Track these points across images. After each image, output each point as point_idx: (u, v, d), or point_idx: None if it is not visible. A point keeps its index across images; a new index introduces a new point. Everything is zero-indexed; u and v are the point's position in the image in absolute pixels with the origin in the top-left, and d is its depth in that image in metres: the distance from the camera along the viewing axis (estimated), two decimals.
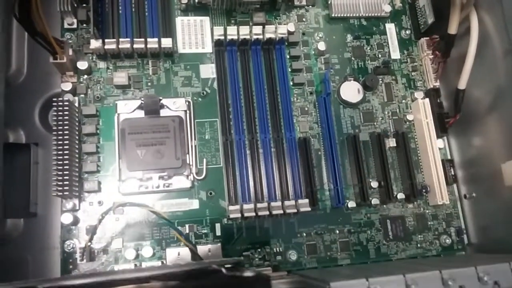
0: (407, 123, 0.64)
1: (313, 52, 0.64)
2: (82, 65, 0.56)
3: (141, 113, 0.55)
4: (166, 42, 0.56)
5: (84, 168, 0.53)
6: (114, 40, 0.55)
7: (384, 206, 0.60)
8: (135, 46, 0.56)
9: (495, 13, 0.54)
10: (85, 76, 0.57)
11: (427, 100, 0.62)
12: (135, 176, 0.53)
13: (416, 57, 0.67)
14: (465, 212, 0.62)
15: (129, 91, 0.58)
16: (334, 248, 0.57)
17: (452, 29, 0.59)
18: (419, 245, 0.59)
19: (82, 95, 0.56)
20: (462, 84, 0.58)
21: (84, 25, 0.58)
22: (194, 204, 0.55)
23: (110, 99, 0.57)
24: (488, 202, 0.58)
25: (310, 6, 0.65)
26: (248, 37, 0.59)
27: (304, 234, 0.57)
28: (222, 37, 0.58)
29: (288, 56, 0.62)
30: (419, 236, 0.60)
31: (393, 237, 0.59)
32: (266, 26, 0.59)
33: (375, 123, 0.63)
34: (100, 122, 0.56)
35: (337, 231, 0.58)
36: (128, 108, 0.55)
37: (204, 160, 0.56)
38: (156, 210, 0.52)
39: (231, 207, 0.53)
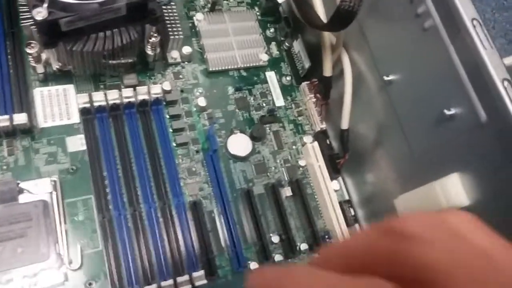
0: (301, 169, 0.62)
1: (194, 109, 0.61)
2: None
3: None
4: (20, 118, 0.49)
5: None
6: None
7: (289, 260, 0.56)
8: None
9: (364, 53, 0.55)
10: None
11: (316, 143, 0.62)
12: None
13: (300, 102, 0.67)
14: None
15: None
16: None
17: (327, 71, 0.60)
18: None
19: None
20: (344, 124, 0.58)
21: None
22: None
23: None
24: None
25: (186, 63, 0.63)
26: (118, 101, 0.54)
27: None
28: (88, 105, 0.53)
29: (167, 116, 0.58)
30: None
31: None
32: (138, 88, 0.55)
33: (268, 174, 0.60)
34: None
35: None
36: None
37: (78, 246, 0.49)
38: None
39: None
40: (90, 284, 0.48)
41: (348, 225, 0.59)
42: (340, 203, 0.60)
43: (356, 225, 0.61)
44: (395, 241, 0.17)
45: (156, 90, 0.56)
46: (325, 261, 0.20)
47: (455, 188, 0.44)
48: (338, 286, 0.16)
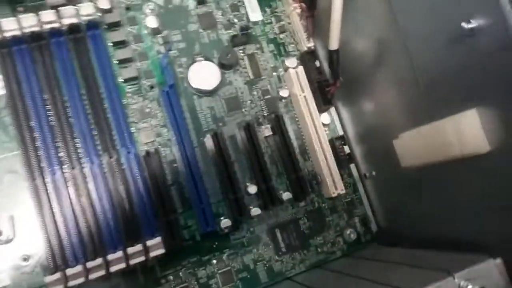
0: (283, 101, 0.51)
1: (145, 32, 0.48)
2: None
3: None
4: None
5: None
6: None
7: (270, 212, 0.48)
8: None
9: None
10: None
11: (300, 68, 0.50)
12: None
13: (282, 15, 0.53)
14: (370, 194, 0.52)
15: None
16: (214, 284, 0.45)
17: None
18: (319, 249, 0.48)
19: None
20: (333, 44, 0.45)
21: None
22: (4, 281, 0.39)
23: None
24: (389, 182, 0.48)
25: None
26: (37, 28, 0.42)
27: (171, 278, 0.43)
28: None
29: (110, 43, 0.46)
30: (317, 238, 0.49)
31: (287, 248, 0.47)
32: (62, 9, 0.42)
33: (243, 110, 0.49)
34: None
35: (214, 261, 0.45)
36: None
37: (7, 214, 0.40)
38: None
39: (48, 278, 0.37)
40: (25, 259, 0.40)
41: (340, 166, 0.49)
42: (331, 140, 0.50)
43: (352, 165, 0.52)
44: None
45: (87, 9, 0.43)
46: None
47: (472, 129, 0.33)
48: None
